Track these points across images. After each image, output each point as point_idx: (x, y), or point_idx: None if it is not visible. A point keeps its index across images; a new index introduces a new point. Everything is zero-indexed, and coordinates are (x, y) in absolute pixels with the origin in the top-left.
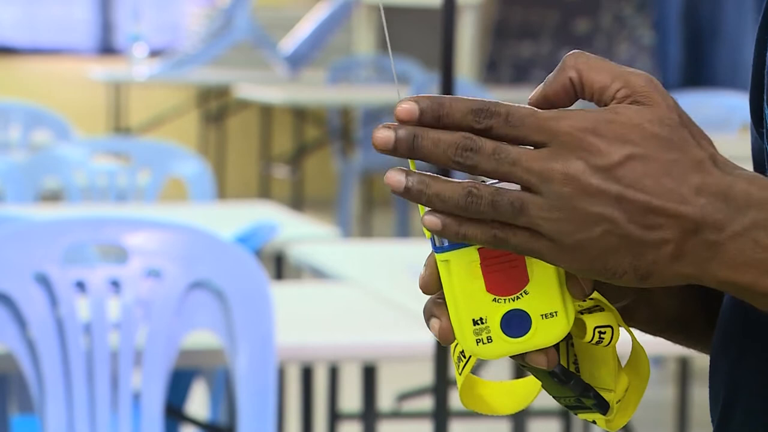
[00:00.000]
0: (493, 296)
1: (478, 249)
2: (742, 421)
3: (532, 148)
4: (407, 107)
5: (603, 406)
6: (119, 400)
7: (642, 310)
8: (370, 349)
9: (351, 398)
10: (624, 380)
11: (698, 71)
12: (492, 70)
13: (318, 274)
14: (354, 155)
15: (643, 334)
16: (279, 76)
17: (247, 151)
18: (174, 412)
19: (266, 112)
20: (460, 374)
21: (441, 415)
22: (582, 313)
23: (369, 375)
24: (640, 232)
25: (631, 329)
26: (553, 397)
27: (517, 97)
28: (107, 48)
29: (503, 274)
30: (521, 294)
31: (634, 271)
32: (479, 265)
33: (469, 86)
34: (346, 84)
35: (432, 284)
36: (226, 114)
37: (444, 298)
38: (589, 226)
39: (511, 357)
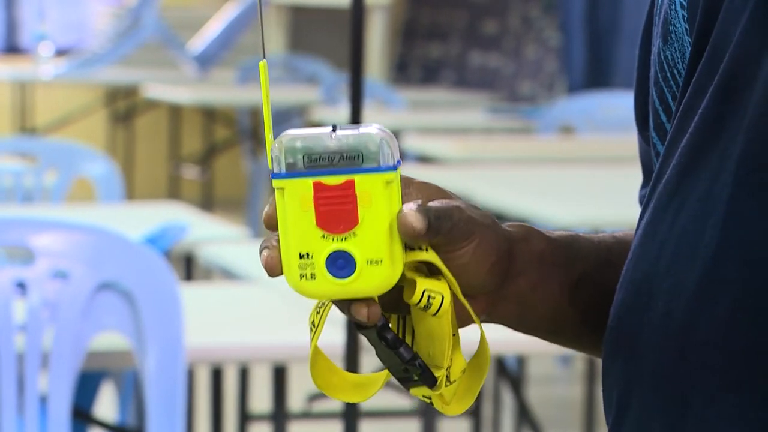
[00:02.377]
0: (322, 232)
1: (313, 182)
2: (636, 421)
3: None
4: None
5: (429, 379)
6: (26, 402)
7: (509, 306)
8: (280, 349)
9: (261, 399)
10: (461, 362)
11: (601, 71)
12: (401, 71)
13: (228, 274)
14: (264, 155)
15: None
16: (188, 76)
17: (156, 151)
18: (82, 414)
19: (175, 112)
20: (311, 343)
21: (351, 415)
22: (416, 276)
23: (279, 376)
24: None
25: (504, 326)
26: (385, 366)
27: (427, 98)
28: (12, 47)
29: (335, 212)
30: (350, 235)
31: None
32: (312, 198)
33: (379, 87)
34: (255, 84)
35: (273, 218)
36: (135, 114)
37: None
38: None
39: (336, 305)
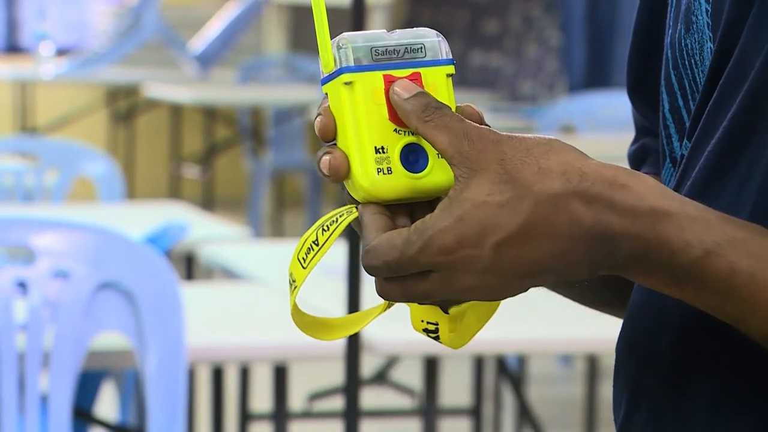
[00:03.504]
0: (394, 126)
1: (383, 75)
2: (646, 422)
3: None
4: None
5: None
6: (26, 402)
7: None
8: (280, 349)
9: (262, 399)
10: None
11: (600, 70)
12: None
13: (229, 274)
14: (265, 155)
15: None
16: (189, 76)
17: (156, 150)
18: (83, 414)
19: (176, 111)
20: (290, 296)
21: (352, 414)
22: None
23: (280, 375)
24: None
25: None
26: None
27: None
28: (12, 47)
29: None
30: None
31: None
32: (384, 91)
33: None
34: (256, 84)
35: (330, 129)
36: (136, 113)
37: (337, 141)
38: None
39: (402, 202)
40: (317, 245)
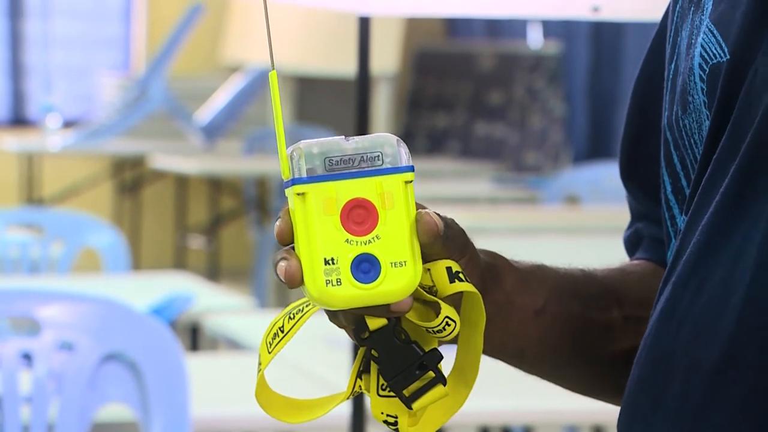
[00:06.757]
0: (346, 236)
1: (336, 185)
2: None
3: None
4: None
5: (443, 377)
6: None
7: (494, 334)
8: None
9: None
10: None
11: (603, 140)
12: (407, 141)
13: (234, 345)
14: (270, 225)
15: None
16: (194, 147)
17: (162, 221)
18: None
19: (182, 182)
20: (258, 372)
21: None
22: (432, 299)
23: None
24: None
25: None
26: (388, 373)
27: (432, 167)
28: (19, 119)
29: (359, 214)
30: (373, 238)
31: None
32: (335, 201)
33: None
34: (261, 154)
35: (288, 233)
36: (141, 184)
37: (294, 245)
38: None
39: (331, 315)
40: (282, 332)
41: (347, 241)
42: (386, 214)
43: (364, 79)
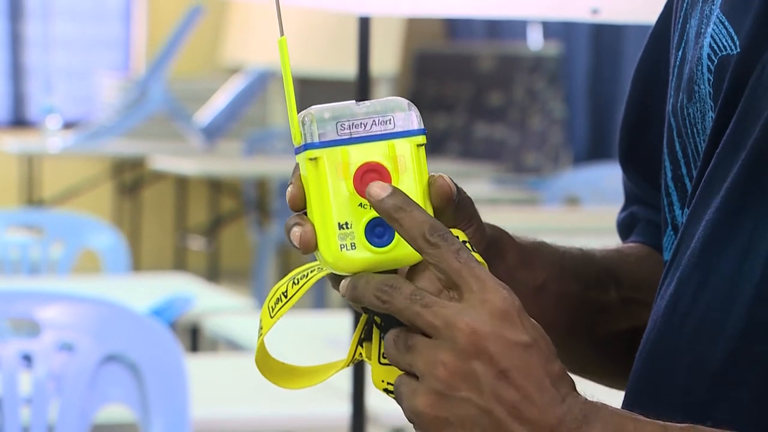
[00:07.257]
0: (359, 200)
1: (349, 149)
2: None
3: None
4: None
5: None
6: None
7: None
8: (286, 421)
9: None
10: None
11: (603, 141)
12: None
13: (234, 346)
14: (270, 226)
15: None
16: (194, 148)
17: (162, 222)
18: None
19: (181, 183)
20: (259, 336)
21: None
22: None
23: None
24: (503, 416)
25: None
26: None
27: (432, 168)
28: (19, 120)
29: (372, 178)
30: None
31: None
32: (349, 165)
33: None
34: (261, 155)
35: (300, 198)
36: (141, 185)
37: (306, 211)
38: (465, 384)
39: (332, 279)
40: (286, 297)
41: (361, 205)
42: (399, 177)
43: (364, 80)
